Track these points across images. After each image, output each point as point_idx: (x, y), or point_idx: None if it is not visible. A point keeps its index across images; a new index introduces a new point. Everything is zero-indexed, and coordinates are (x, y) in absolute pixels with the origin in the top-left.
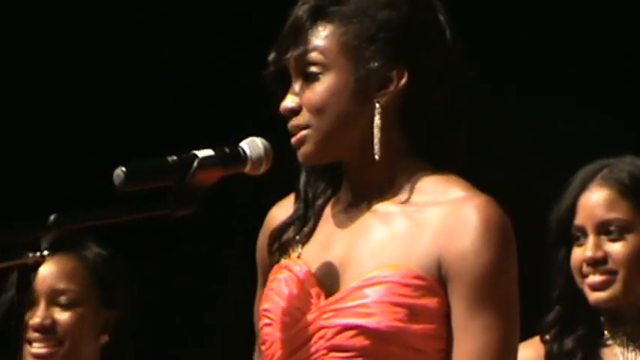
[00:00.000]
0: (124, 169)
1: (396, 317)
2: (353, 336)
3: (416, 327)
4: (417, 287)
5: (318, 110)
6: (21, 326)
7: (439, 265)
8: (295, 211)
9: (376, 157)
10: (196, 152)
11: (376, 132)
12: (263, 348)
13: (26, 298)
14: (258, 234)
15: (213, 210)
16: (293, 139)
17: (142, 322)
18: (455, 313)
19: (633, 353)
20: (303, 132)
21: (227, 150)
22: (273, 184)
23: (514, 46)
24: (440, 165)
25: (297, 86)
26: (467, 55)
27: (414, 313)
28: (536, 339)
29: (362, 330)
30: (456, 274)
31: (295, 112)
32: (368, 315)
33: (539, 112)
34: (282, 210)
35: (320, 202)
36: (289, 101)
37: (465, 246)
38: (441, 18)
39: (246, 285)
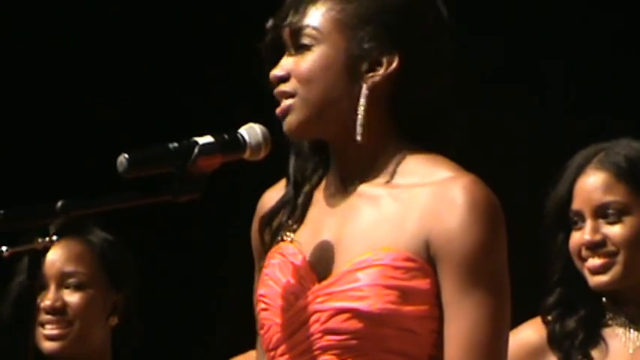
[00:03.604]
0: (126, 155)
1: (389, 300)
2: (346, 319)
3: (408, 309)
4: (408, 269)
5: (306, 80)
6: (32, 310)
7: (427, 247)
8: (285, 195)
9: (358, 138)
10: (197, 139)
11: (360, 114)
12: (261, 332)
13: (37, 282)
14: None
15: (221, 194)
16: (278, 110)
17: (148, 309)
18: (445, 293)
19: (635, 333)
20: (289, 101)
21: (226, 136)
22: (282, 170)
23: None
24: (432, 150)
25: (288, 55)
26: (463, 51)
27: (406, 295)
28: (538, 319)
29: (355, 313)
30: (444, 255)
31: (284, 80)
32: (361, 298)
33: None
34: (274, 194)
35: (309, 185)
36: (279, 70)
37: (451, 226)
38: (441, 8)
39: (252, 269)
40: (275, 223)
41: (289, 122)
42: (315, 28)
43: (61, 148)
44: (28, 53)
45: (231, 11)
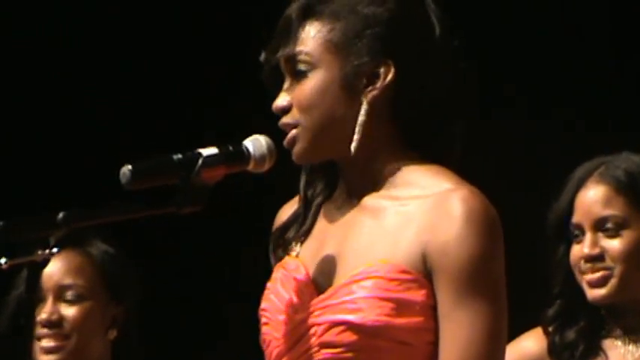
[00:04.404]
0: (130, 167)
1: (383, 312)
2: (341, 332)
3: (402, 321)
4: (402, 281)
5: (306, 108)
6: (31, 323)
7: (424, 259)
8: (296, 210)
9: (352, 150)
10: (201, 150)
11: (358, 129)
12: (264, 347)
13: (35, 295)
14: (267, 232)
15: (223, 204)
16: (285, 141)
17: (149, 319)
18: (440, 305)
19: (633, 345)
20: (293, 132)
21: (231, 148)
22: (290, 183)
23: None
24: (434, 158)
25: (287, 85)
26: (460, 51)
27: (400, 307)
28: (539, 330)
29: (349, 326)
30: (440, 267)
31: (286, 110)
32: (355, 311)
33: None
34: (288, 209)
35: (318, 200)
36: (281, 100)
37: (447, 238)
38: (431, 14)
39: (260, 282)
40: (285, 238)
41: (297, 152)
42: (307, 54)
43: (61, 148)
44: (28, 53)
45: (231, 11)
